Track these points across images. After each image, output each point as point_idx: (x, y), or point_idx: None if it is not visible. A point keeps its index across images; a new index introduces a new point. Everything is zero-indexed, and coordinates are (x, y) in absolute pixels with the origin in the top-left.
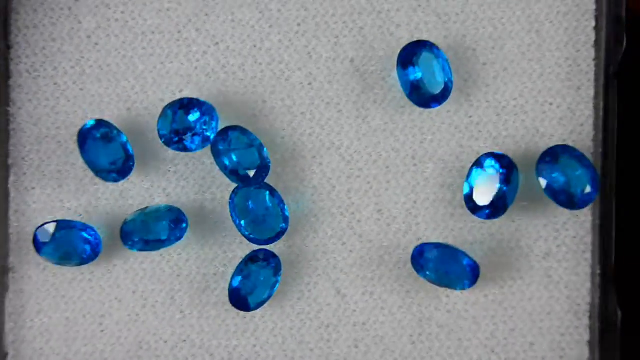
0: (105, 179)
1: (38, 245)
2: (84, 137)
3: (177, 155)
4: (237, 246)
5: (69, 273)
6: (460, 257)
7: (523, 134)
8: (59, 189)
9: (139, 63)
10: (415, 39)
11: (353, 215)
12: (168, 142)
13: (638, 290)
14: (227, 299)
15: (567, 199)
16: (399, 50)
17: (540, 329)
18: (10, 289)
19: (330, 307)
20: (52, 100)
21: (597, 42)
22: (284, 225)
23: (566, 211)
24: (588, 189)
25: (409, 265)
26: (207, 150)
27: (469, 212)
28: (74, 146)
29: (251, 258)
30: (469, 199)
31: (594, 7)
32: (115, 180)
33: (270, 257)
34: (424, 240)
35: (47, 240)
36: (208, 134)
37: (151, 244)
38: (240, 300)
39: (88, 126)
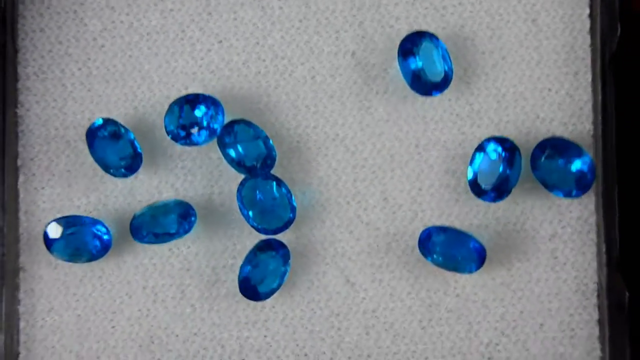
0: (115, 175)
1: (48, 243)
2: (93, 136)
3: (184, 151)
4: (246, 237)
5: (79, 271)
6: (467, 240)
7: (523, 119)
8: (68, 188)
9: (145, 63)
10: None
11: (359, 204)
12: (175, 138)
13: None
14: (237, 290)
15: (563, 194)
16: (398, 42)
17: (549, 310)
18: (21, 288)
19: (340, 295)
20: (60, 102)
21: (592, 29)
22: (291, 214)
23: None
24: (582, 180)
25: (416, 251)
26: (214, 144)
27: (473, 197)
28: (82, 146)
29: (260, 247)
30: (473, 183)
31: None
32: (125, 176)
33: (279, 246)
34: (430, 226)
35: (58, 237)
36: (215, 126)
37: (160, 237)
38: (249, 289)
39: (96, 125)
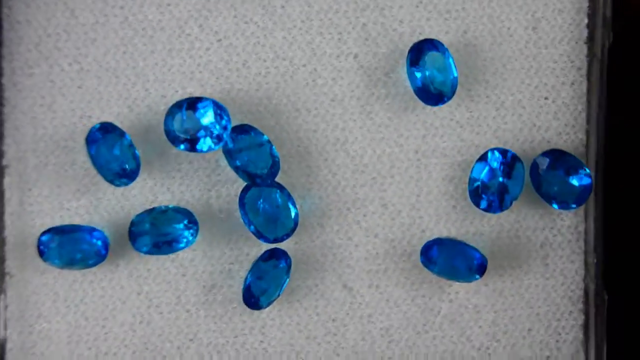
0: (118, 185)
1: (42, 252)
2: (91, 143)
3: (181, 153)
4: (244, 243)
5: (70, 276)
6: (469, 251)
7: (521, 127)
8: (57, 190)
9: (140, 60)
10: (417, 35)
11: (359, 210)
12: (178, 143)
13: (627, 275)
14: (234, 297)
15: (560, 206)
16: (401, 46)
17: (537, 315)
18: (7, 293)
19: (338, 301)
20: (49, 99)
21: (590, 39)
22: (294, 223)
23: None
24: (581, 194)
25: (414, 258)
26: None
27: (471, 205)
28: (73, 145)
29: (264, 258)
30: (474, 193)
31: (587, 4)
32: (126, 185)
33: (283, 256)
34: (429, 233)
35: (53, 246)
36: (221, 134)
37: (162, 249)
38: (253, 300)
39: (93, 131)
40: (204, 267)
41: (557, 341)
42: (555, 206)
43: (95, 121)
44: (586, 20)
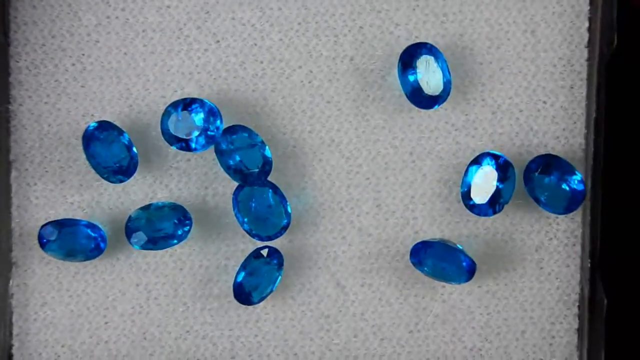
0: (113, 182)
1: (43, 243)
2: (87, 141)
3: (179, 152)
4: (239, 239)
5: (73, 267)
6: (458, 255)
7: (517, 131)
8: (61, 185)
9: (140, 60)
10: (413, 38)
11: (352, 210)
12: (172, 142)
13: (623, 279)
14: (229, 291)
15: (552, 210)
16: (397, 49)
17: (531, 318)
18: (13, 283)
19: (330, 298)
20: (53, 97)
21: (590, 43)
22: (286, 221)
23: None
24: (573, 199)
25: (407, 258)
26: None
27: (464, 208)
28: (76, 142)
29: (255, 255)
30: (466, 196)
31: (587, 8)
32: (121, 181)
33: (274, 253)
34: (422, 234)
35: (52, 239)
36: (213, 134)
37: (157, 244)
38: (244, 295)
39: (90, 129)
40: (200, 262)
41: (550, 345)
42: (548, 210)
43: (97, 119)
44: (586, 24)
